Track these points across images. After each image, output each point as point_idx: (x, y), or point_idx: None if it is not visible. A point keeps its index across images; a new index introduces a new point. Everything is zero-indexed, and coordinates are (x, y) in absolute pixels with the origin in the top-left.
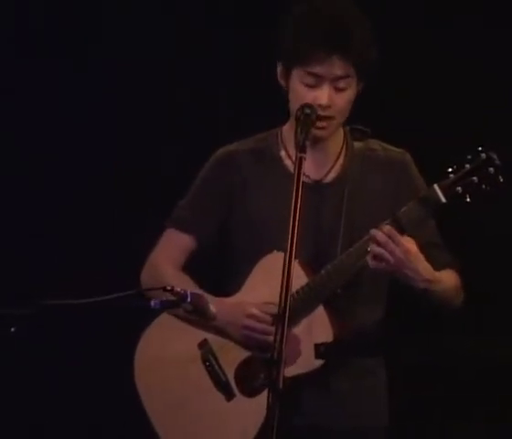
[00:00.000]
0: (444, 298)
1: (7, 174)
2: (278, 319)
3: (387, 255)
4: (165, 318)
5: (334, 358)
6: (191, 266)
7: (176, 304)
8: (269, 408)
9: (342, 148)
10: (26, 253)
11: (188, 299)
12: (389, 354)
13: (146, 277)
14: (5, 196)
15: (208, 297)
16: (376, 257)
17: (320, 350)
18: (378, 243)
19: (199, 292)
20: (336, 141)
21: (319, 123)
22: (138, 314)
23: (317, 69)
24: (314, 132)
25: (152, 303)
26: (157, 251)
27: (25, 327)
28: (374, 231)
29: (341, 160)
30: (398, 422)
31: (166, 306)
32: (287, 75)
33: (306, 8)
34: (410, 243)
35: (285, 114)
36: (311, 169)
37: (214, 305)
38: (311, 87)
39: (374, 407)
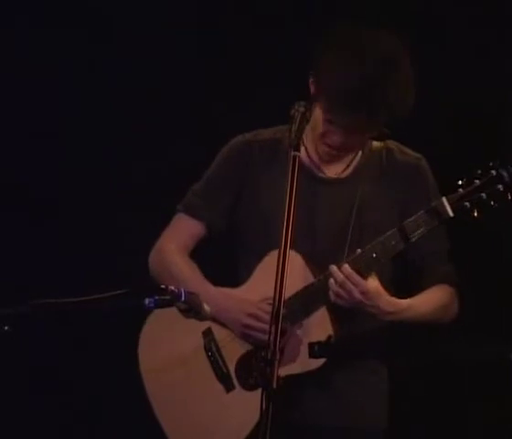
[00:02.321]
0: (420, 321)
1: (7, 173)
2: (272, 318)
3: (343, 294)
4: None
5: (334, 358)
6: (200, 253)
7: (170, 302)
8: (262, 407)
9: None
10: (25, 253)
11: (182, 298)
12: (391, 355)
13: (155, 260)
14: (4, 195)
15: (213, 289)
16: (336, 294)
17: (314, 349)
18: (336, 282)
19: (200, 284)
20: None
21: (331, 151)
22: (134, 310)
23: (341, 119)
24: (323, 156)
25: (146, 302)
26: (166, 235)
27: (19, 326)
28: (333, 270)
29: (358, 157)
30: (397, 424)
31: (161, 305)
32: (314, 96)
33: (350, 52)
34: (369, 283)
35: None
36: (327, 165)
37: (217, 297)
38: (330, 123)
39: (374, 408)
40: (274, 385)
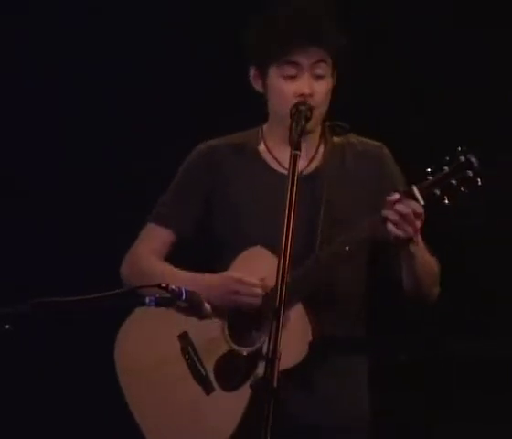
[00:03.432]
0: (419, 269)
1: (7, 173)
2: (271, 317)
3: (405, 226)
4: (142, 310)
5: (315, 357)
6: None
7: (170, 301)
8: (264, 405)
9: (320, 141)
10: (25, 253)
11: (183, 296)
12: (371, 352)
13: (127, 269)
14: (4, 195)
15: (190, 274)
16: (396, 225)
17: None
18: (399, 214)
19: (174, 274)
20: (314, 134)
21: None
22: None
23: (296, 57)
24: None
25: (146, 300)
26: (137, 244)
27: (19, 326)
28: (397, 203)
29: (320, 152)
30: (380, 420)
31: (161, 304)
32: (263, 76)
33: (276, 8)
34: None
35: None
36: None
37: (203, 282)
38: (291, 78)
39: (355, 405)
40: (275, 383)
